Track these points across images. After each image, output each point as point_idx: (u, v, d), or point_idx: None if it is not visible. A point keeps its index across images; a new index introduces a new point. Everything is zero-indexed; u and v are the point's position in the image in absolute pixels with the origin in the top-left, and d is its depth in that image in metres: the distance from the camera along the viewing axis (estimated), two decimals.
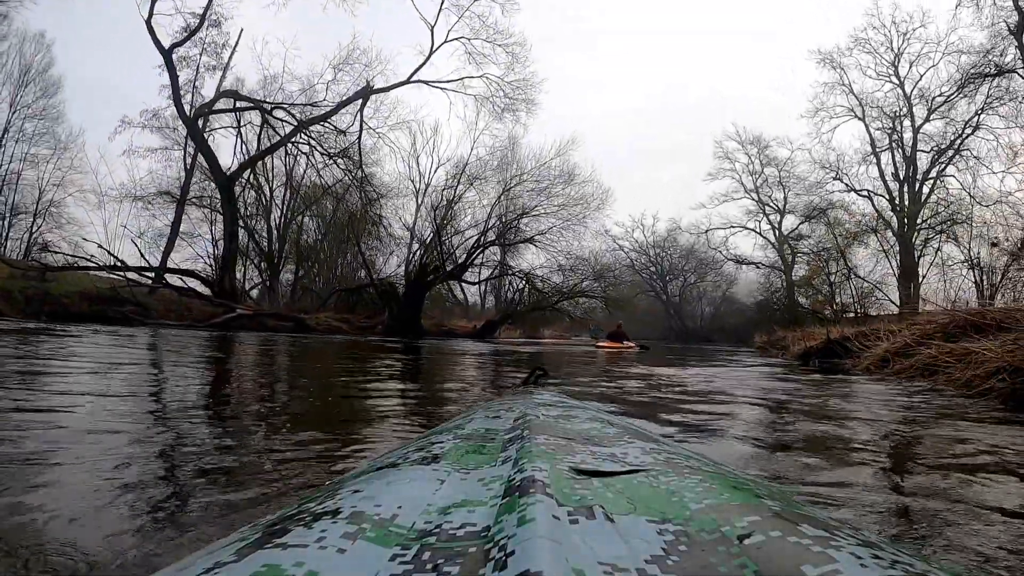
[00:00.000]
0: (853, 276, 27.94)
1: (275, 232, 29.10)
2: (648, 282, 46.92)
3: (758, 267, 37.21)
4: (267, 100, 22.56)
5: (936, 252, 24.48)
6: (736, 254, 38.78)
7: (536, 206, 26.15)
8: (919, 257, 25.98)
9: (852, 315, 25.46)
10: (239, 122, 24.07)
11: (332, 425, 2.58)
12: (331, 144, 23.37)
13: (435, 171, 26.61)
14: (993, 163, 23.94)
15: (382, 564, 0.48)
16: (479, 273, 28.53)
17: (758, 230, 36.99)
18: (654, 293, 47.67)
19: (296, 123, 22.18)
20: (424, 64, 24.53)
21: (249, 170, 24.02)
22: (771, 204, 36.34)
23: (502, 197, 26.57)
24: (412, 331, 21.01)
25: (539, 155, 26.99)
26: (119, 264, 18.03)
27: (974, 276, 21.59)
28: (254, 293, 28.73)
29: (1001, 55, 21.86)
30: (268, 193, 28.98)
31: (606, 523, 0.53)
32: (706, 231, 39.19)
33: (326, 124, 22.92)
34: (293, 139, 22.74)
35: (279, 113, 22.72)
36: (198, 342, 9.10)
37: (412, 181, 25.56)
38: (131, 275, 18.17)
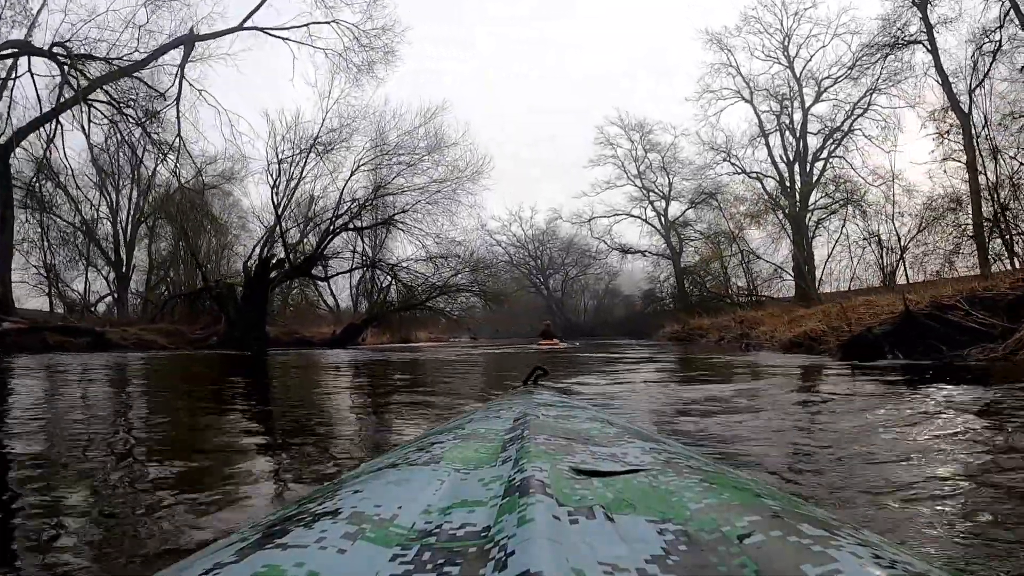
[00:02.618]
0: (754, 258, 29.41)
1: (122, 236, 26.35)
2: (528, 277, 46.78)
3: (645, 255, 37.86)
4: (67, 53, 17.32)
5: (841, 230, 25.97)
6: (620, 243, 39.10)
7: (396, 176, 22.73)
8: (812, 238, 27.52)
9: (751, 299, 26.88)
10: (17, 72, 18.57)
11: None
12: (145, 108, 18.89)
13: (296, 157, 22.10)
14: (884, 143, 25.34)
15: (382, 564, 0.49)
16: (350, 267, 24.41)
17: (643, 217, 37.49)
18: (535, 289, 47.46)
19: (87, 79, 17.21)
20: (261, 5, 21.13)
21: (45, 146, 18.71)
22: (656, 190, 36.95)
23: (356, 173, 23.28)
24: (254, 341, 17.18)
25: (400, 118, 23.45)
26: None
27: (876, 252, 23.23)
28: (101, 307, 26.24)
29: (904, 27, 22.93)
30: (113, 191, 25.85)
31: (606, 523, 0.55)
32: (589, 219, 39.10)
33: (135, 81, 18.28)
34: (90, 99, 17.62)
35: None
36: None
37: (271, 174, 21.27)
38: None
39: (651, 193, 36.87)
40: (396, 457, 0.89)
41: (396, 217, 23.55)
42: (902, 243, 22.45)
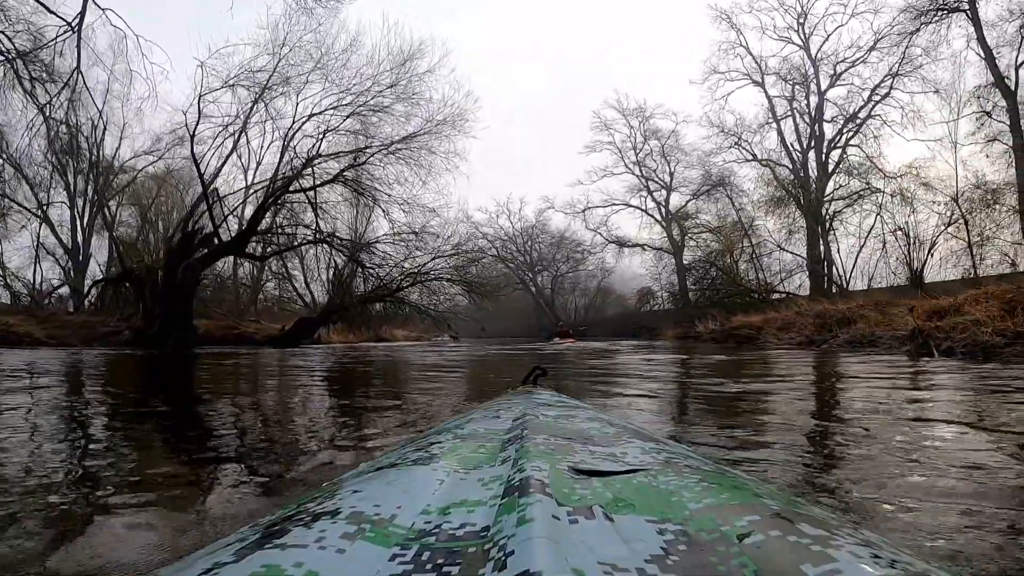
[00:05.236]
0: (765, 252, 27.23)
1: (79, 222, 24.34)
2: (516, 273, 44.08)
3: (644, 249, 35.41)
4: None
5: (874, 220, 23.76)
6: (617, 236, 36.56)
7: (348, 118, 18.45)
8: (829, 229, 25.61)
9: (760, 296, 24.67)
10: None
11: None
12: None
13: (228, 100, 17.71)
14: (905, 131, 23.69)
15: (382, 564, 0.50)
16: (290, 244, 20.19)
17: (643, 207, 35.18)
18: (523, 285, 45.01)
19: None
20: None
21: None
22: (656, 179, 34.71)
23: (306, 123, 19.14)
24: (175, 337, 13.35)
25: (357, 45, 19.23)
26: None
27: (903, 247, 21.18)
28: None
29: None
30: (70, 173, 23.30)
31: (606, 523, 0.56)
32: (584, 209, 36.80)
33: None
34: None
35: None
36: None
37: (239, 156, 17.64)
38: None
39: (651, 182, 35.10)
40: (395, 457, 0.87)
41: (346, 173, 18.89)
42: (933, 235, 20.92)
